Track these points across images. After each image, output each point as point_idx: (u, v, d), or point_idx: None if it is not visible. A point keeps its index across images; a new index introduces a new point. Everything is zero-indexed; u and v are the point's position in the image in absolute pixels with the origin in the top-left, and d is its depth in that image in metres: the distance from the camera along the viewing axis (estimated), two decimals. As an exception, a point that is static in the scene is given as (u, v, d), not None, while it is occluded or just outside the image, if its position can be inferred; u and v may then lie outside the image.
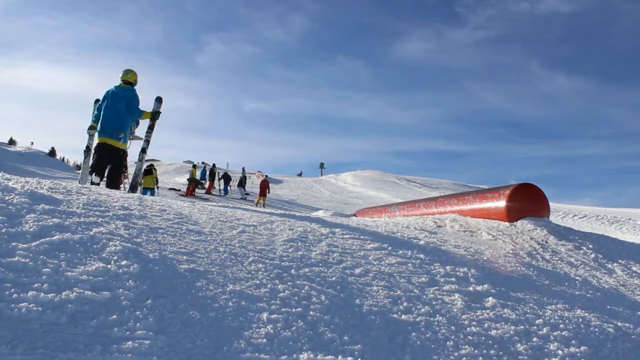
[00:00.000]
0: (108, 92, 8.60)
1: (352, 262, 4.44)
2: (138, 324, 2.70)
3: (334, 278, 3.93)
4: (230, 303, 3.17)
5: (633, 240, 13.81)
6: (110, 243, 3.62)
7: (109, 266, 3.24)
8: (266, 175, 13.56)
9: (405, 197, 32.16)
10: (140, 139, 9.19)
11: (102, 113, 8.45)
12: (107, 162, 8.34)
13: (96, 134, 8.60)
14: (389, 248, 5.14)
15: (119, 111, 8.34)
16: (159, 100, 8.87)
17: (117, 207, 4.76)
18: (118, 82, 8.91)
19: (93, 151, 8.67)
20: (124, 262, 3.34)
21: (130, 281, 3.11)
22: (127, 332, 2.61)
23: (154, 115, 8.68)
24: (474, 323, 3.56)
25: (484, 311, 3.81)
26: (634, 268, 6.53)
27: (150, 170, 24.47)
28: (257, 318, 3.05)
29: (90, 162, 8.59)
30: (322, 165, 78.18)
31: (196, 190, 31.13)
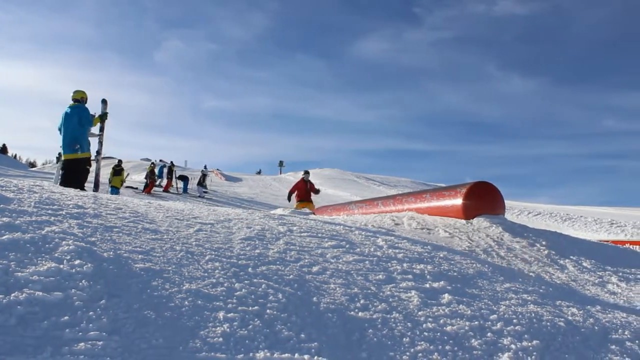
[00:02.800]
0: (63, 114, 9.52)
1: (310, 260, 4.44)
2: (91, 324, 2.65)
3: (291, 276, 3.92)
4: (186, 302, 3.14)
5: (584, 237, 14.15)
6: (63, 242, 3.54)
7: (61, 266, 3.17)
8: (308, 173, 13.56)
9: (364, 196, 32.33)
10: (95, 135, 9.76)
11: (61, 134, 9.46)
12: (74, 175, 9.23)
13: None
14: (347, 246, 5.16)
15: (72, 127, 9.30)
16: (104, 102, 9.86)
17: (70, 206, 4.67)
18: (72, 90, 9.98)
19: (60, 168, 9.84)
20: (77, 262, 3.27)
21: (83, 281, 3.05)
22: (80, 333, 2.56)
23: (102, 117, 9.73)
24: (430, 319, 3.60)
25: (439, 307, 3.85)
26: (584, 264, 6.69)
27: (119, 171, 24.23)
28: (213, 317, 3.03)
29: (60, 179, 9.59)
30: (281, 164, 77.99)
31: (154, 188, 30.73)
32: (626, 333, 4.02)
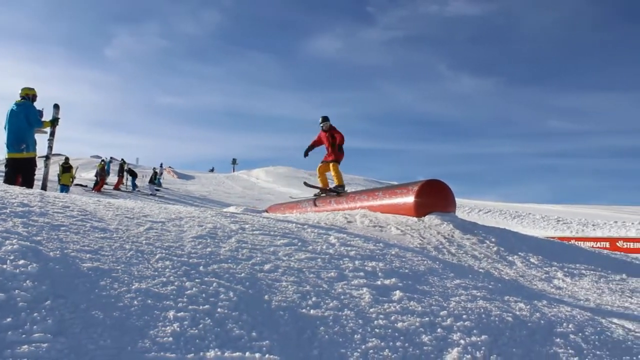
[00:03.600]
0: (8, 110, 9.27)
1: (262, 258, 4.42)
2: (35, 326, 2.58)
3: (243, 274, 3.90)
4: (135, 302, 3.09)
5: (532, 233, 14.49)
6: (7, 242, 3.44)
7: (4, 266, 3.07)
8: (326, 118, 11.47)
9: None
10: (44, 132, 9.55)
11: (6, 132, 9.20)
12: (16, 174, 9.02)
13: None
14: (299, 244, 5.16)
15: (18, 125, 9.05)
16: (56, 107, 9.66)
17: (15, 204, 4.54)
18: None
19: (4, 166, 9.60)
20: (21, 262, 3.18)
21: (27, 281, 2.97)
22: (23, 336, 2.50)
23: (54, 122, 9.52)
24: (381, 316, 3.63)
25: (391, 304, 3.89)
26: (532, 260, 6.86)
27: (68, 168, 23.71)
28: (163, 316, 2.99)
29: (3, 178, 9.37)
30: (234, 161, 77.70)
31: (104, 186, 30.18)
32: (570, 326, 4.14)
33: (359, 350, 3.12)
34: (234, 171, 71.45)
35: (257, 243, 4.92)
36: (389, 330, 3.43)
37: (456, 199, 9.24)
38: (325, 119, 12.03)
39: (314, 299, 3.71)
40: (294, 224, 6.42)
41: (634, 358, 3.76)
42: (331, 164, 12.00)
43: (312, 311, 3.51)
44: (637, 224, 27.52)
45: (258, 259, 4.39)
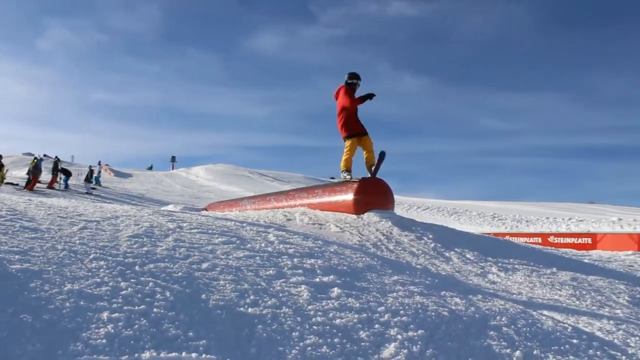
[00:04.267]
0: None
1: (200, 257, 4.37)
2: (-41, 331, 2.48)
3: (180, 273, 3.85)
4: (67, 304, 3.01)
5: (469, 229, 14.83)
6: None
7: None
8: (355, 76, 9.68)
9: (258, 191, 32.25)
10: None
11: None
12: None
13: None
14: (238, 242, 5.12)
15: None
16: None
17: (-62, 204, 4.35)
18: None
19: None
20: (-56, 264, 3.05)
21: (-49, 284, 2.85)
22: (-54, 340, 2.40)
23: None
24: (319, 313, 3.64)
25: (329, 301, 3.90)
26: (468, 255, 7.00)
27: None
28: (96, 318, 2.92)
29: None
30: (173, 159, 76.42)
31: (37, 185, 29.21)
32: (503, 319, 4.25)
33: (297, 347, 3.12)
34: (173, 169, 70.25)
35: (195, 242, 4.86)
36: (327, 327, 3.44)
37: (395, 197, 9.35)
38: (354, 75, 9.52)
39: (252, 297, 3.69)
40: (233, 222, 6.37)
41: (562, 347, 3.89)
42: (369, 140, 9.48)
43: (250, 309, 3.49)
44: (567, 220, 28.57)
45: (196, 257, 4.34)
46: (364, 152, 9.35)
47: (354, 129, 9.33)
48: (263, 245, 5.22)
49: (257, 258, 4.68)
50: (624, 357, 3.95)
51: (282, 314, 3.51)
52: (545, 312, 4.81)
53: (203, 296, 3.55)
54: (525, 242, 11.69)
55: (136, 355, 2.66)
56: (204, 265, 4.17)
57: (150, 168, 75.44)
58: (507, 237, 12.61)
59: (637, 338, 4.41)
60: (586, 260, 9.13)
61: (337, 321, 3.57)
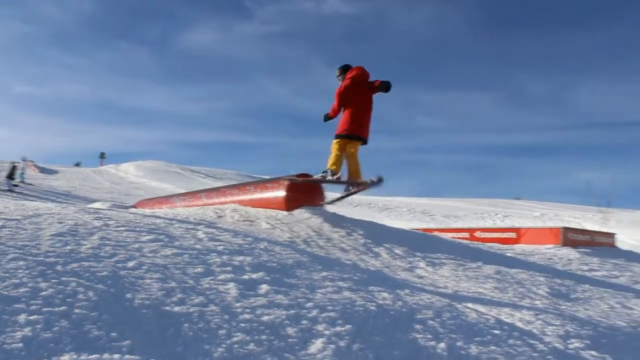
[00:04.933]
0: None
1: (126, 255, 4.27)
2: None
3: (104, 273, 3.75)
4: (-19, 306, 2.89)
5: (399, 225, 15.05)
6: None
7: None
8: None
9: (189, 188, 31.83)
10: None
11: None
12: None
13: None
14: (166, 239, 5.04)
15: None
16: None
17: None
18: None
19: None
20: None
21: None
22: None
23: None
24: (247, 310, 3.63)
25: (257, 298, 3.90)
26: (396, 251, 7.12)
27: None
28: (12, 321, 2.81)
29: None
30: (102, 155, 74.60)
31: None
32: (429, 313, 4.35)
33: (223, 345, 3.10)
34: (102, 165, 68.45)
35: (122, 240, 4.75)
36: (255, 324, 3.43)
37: (326, 193, 9.42)
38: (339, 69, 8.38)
39: (179, 295, 3.65)
40: (161, 220, 6.26)
41: (484, 338, 4.03)
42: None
43: (176, 308, 3.44)
44: (493, 215, 29.52)
45: (121, 256, 4.24)
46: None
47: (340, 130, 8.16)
48: (192, 242, 5.16)
49: (186, 256, 4.62)
50: (541, 345, 4.12)
51: (209, 312, 3.48)
52: (469, 305, 4.95)
53: (128, 295, 3.47)
54: (453, 237, 11.96)
55: (54, 358, 2.58)
56: (130, 264, 4.08)
57: (78, 164, 73.25)
58: (435, 233, 12.87)
59: (554, 327, 4.60)
60: (510, 254, 9.45)
61: (265, 318, 3.56)
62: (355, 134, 7.99)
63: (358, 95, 8.00)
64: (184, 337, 3.10)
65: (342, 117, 8.04)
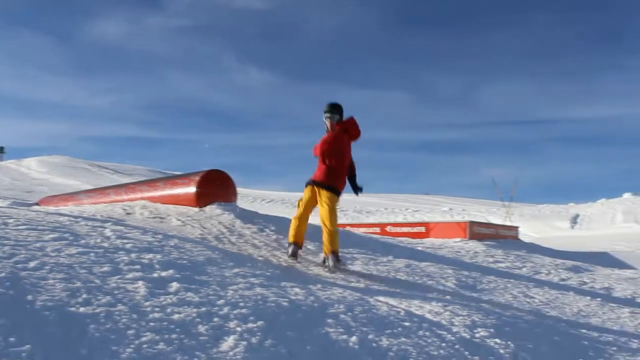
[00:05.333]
0: None
1: (27, 255, 4.08)
2: None
3: (3, 274, 3.55)
4: None
5: (312, 221, 15.12)
6: None
7: None
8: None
9: (97, 185, 30.80)
10: None
11: None
12: None
13: None
14: (71, 238, 4.86)
15: None
16: None
17: None
18: None
19: None
20: None
21: None
22: None
23: None
24: (156, 309, 3.54)
25: (167, 296, 3.81)
26: (309, 246, 7.18)
27: None
28: None
29: None
30: (1, 150, 70.92)
31: None
32: (341, 307, 4.40)
33: (132, 345, 3.00)
34: (1, 161, 65.15)
35: (22, 239, 4.54)
36: (165, 323, 3.35)
37: (241, 189, 9.36)
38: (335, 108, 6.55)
39: (84, 296, 3.51)
40: (66, 217, 6.03)
41: (395, 330, 4.11)
42: (325, 199, 6.45)
43: (81, 309, 3.30)
44: (404, 210, 30.27)
45: (22, 256, 4.04)
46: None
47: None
48: (99, 240, 4.99)
49: (92, 254, 4.46)
50: (449, 335, 4.25)
51: (116, 312, 3.36)
52: (381, 298, 5.04)
53: (29, 297, 3.31)
54: (365, 232, 12.18)
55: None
56: (32, 264, 3.89)
57: (-27, 160, 69.38)
58: (347, 228, 13.04)
59: (461, 317, 4.75)
60: (420, 248, 9.72)
61: (176, 316, 3.49)
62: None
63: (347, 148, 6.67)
64: (89, 339, 2.99)
65: (334, 169, 6.50)
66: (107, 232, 5.40)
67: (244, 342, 3.32)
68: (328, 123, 6.49)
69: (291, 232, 6.53)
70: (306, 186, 6.68)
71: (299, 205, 6.73)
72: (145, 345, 3.04)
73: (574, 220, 30.52)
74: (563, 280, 8.92)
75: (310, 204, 6.68)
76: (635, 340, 5.34)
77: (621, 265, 13.26)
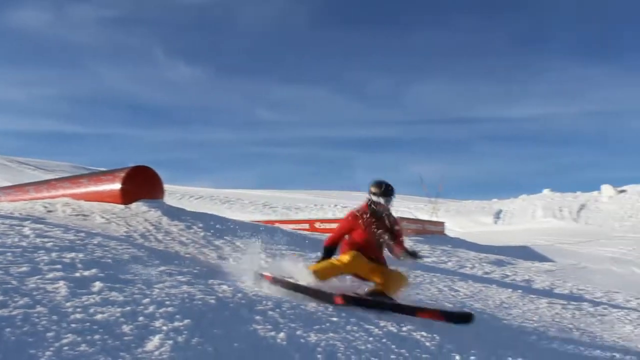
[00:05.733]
0: None
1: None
2: None
3: None
4: None
5: (241, 218, 15.04)
6: None
7: None
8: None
9: (17, 181, 29.64)
10: None
11: None
12: None
13: None
14: (-15, 237, 4.65)
15: None
16: None
17: None
18: None
19: None
20: None
21: None
22: None
23: None
24: (78, 310, 3.43)
25: (90, 296, 3.70)
26: (237, 243, 7.13)
27: None
28: None
29: None
30: None
31: None
32: (269, 303, 4.40)
33: (52, 348, 2.89)
34: None
35: None
36: (87, 324, 3.25)
37: (169, 186, 9.22)
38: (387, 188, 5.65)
39: (0, 297, 3.36)
40: (-19, 216, 5.77)
41: (323, 326, 4.14)
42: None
43: (-4, 312, 3.16)
44: (333, 206, 30.49)
45: None
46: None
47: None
48: (16, 240, 4.81)
49: (9, 254, 4.29)
50: (376, 329, 4.31)
51: (35, 314, 3.23)
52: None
53: (-61, 300, 3.15)
54: (294, 229, 12.21)
55: None
56: (-58, 265, 3.71)
57: None
58: (276, 224, 13.05)
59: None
60: (348, 244, 9.78)
61: (99, 316, 3.39)
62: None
63: None
64: (5, 343, 2.86)
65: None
66: (26, 231, 5.20)
67: (170, 341, 3.25)
68: (383, 202, 5.60)
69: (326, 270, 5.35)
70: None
71: (354, 261, 5.32)
72: (66, 348, 2.93)
73: (497, 215, 31.55)
74: (487, 273, 9.22)
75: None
76: (553, 329, 5.59)
77: (541, 258, 13.82)
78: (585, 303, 7.60)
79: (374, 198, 5.56)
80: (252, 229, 8.60)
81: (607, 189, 29.52)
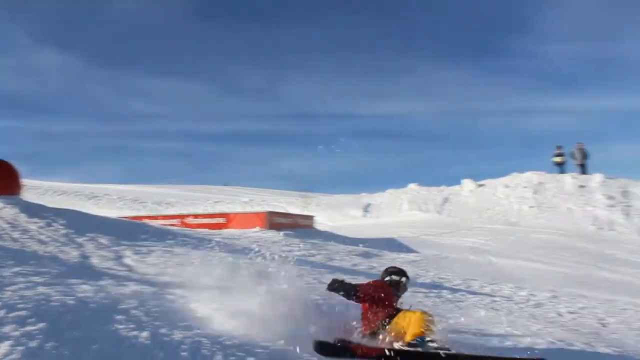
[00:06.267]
0: None
1: None
2: None
3: None
4: None
5: (108, 214, 14.49)
6: None
7: None
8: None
9: None
10: None
11: None
12: None
13: None
14: None
15: None
16: None
17: None
18: None
19: None
20: None
21: None
22: None
23: None
24: None
25: None
26: (101, 240, 6.86)
27: None
28: None
29: None
30: None
31: None
32: (133, 302, 4.27)
33: None
34: None
35: None
36: None
37: (30, 181, 8.69)
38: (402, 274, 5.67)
39: None
40: None
41: (189, 323, 4.07)
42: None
43: None
44: (204, 201, 30.11)
45: None
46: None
47: None
48: None
49: None
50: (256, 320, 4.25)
51: None
52: (176, 291, 4.95)
53: None
54: (163, 225, 11.92)
55: None
56: None
57: None
58: (145, 220, 12.65)
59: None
60: (218, 239, 9.72)
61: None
62: None
63: None
64: None
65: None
66: None
67: (21, 347, 3.06)
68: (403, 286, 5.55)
69: None
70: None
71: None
72: None
73: (366, 208, 32.43)
74: (354, 265, 9.47)
75: None
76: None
77: (406, 249, 14.34)
78: (445, 290, 8.01)
79: (397, 278, 5.52)
80: (119, 225, 8.36)
81: (467, 183, 31.08)
